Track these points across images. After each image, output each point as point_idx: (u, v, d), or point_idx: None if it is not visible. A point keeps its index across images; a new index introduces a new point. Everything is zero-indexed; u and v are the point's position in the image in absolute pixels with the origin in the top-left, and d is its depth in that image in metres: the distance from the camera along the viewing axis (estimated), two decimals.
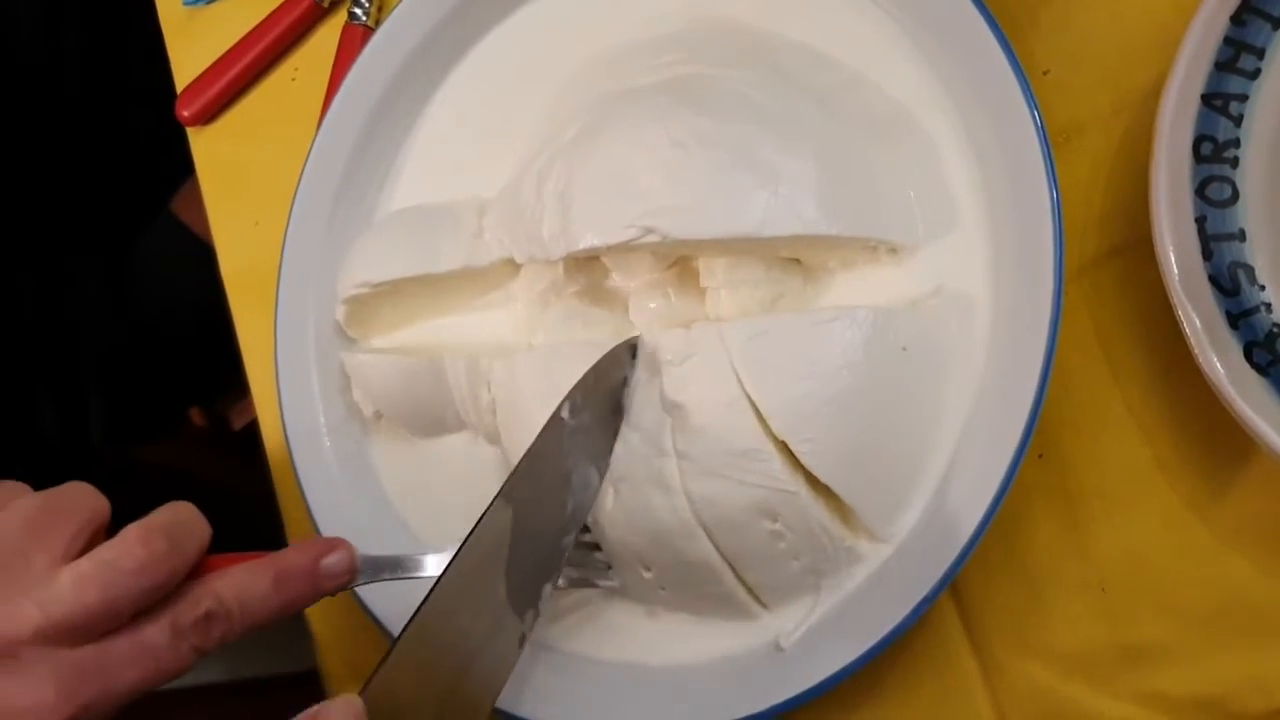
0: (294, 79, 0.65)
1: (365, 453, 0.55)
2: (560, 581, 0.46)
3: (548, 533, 0.45)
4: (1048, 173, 0.43)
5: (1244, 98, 0.44)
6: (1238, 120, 0.44)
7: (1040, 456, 0.48)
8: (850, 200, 0.46)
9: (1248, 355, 0.43)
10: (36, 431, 0.87)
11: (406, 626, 0.40)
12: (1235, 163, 0.44)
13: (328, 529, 0.52)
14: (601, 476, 0.46)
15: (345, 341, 0.56)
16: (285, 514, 0.60)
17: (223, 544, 0.41)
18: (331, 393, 0.55)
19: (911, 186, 0.47)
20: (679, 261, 0.49)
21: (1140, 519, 0.47)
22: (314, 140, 0.56)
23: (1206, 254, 0.43)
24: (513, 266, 0.52)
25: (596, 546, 0.47)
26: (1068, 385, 0.48)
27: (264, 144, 0.65)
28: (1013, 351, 0.44)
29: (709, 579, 0.46)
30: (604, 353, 0.46)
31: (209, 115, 0.66)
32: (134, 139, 0.88)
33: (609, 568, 0.48)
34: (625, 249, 0.45)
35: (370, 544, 0.44)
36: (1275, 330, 0.43)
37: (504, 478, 0.43)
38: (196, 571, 0.39)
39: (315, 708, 0.37)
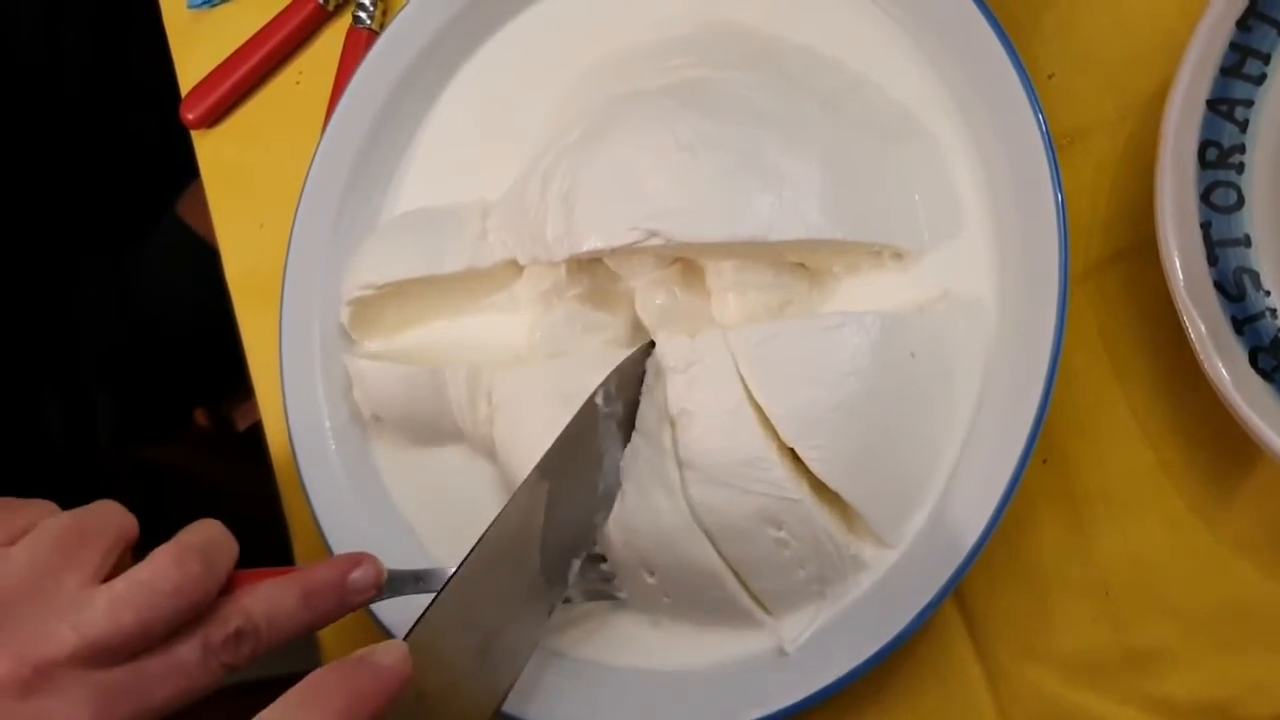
0: (299, 82, 0.65)
1: (370, 456, 0.55)
2: (570, 595, 0.47)
3: (580, 510, 0.45)
4: (1052, 176, 0.43)
5: (1249, 103, 0.44)
6: (1243, 125, 0.44)
7: (1045, 461, 0.48)
8: (855, 205, 0.45)
9: (1253, 360, 0.43)
10: (43, 433, 0.88)
11: (448, 581, 0.41)
12: (1240, 168, 0.44)
13: (332, 532, 0.53)
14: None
15: (349, 344, 0.56)
16: (289, 515, 0.60)
17: None
18: (336, 396, 0.55)
19: (916, 190, 0.47)
20: (683, 257, 0.49)
21: (1145, 524, 0.47)
22: (319, 143, 0.56)
23: (1211, 259, 0.43)
24: (516, 268, 0.52)
25: (602, 558, 0.47)
26: (1072, 390, 0.48)
27: (269, 147, 0.65)
28: (1017, 356, 0.44)
29: (712, 584, 0.45)
30: (605, 363, 0.46)
31: (214, 118, 0.66)
32: (139, 142, 0.88)
33: (611, 579, 0.48)
34: (629, 251, 0.45)
35: (374, 547, 0.44)
36: None
37: (502, 492, 0.44)
38: (224, 587, 0.39)
39: (365, 650, 0.37)
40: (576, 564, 0.46)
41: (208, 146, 0.67)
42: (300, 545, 0.60)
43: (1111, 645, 0.47)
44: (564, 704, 0.48)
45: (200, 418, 1.08)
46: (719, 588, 0.45)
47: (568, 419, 0.45)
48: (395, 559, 0.44)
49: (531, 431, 0.47)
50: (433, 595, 0.41)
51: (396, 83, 0.56)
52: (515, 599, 0.44)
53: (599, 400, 0.45)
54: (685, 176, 0.45)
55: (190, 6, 0.68)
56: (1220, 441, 0.46)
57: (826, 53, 0.49)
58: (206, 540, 0.39)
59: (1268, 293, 0.44)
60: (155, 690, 0.36)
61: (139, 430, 0.94)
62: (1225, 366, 0.42)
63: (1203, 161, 0.44)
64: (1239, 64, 0.43)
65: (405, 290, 0.52)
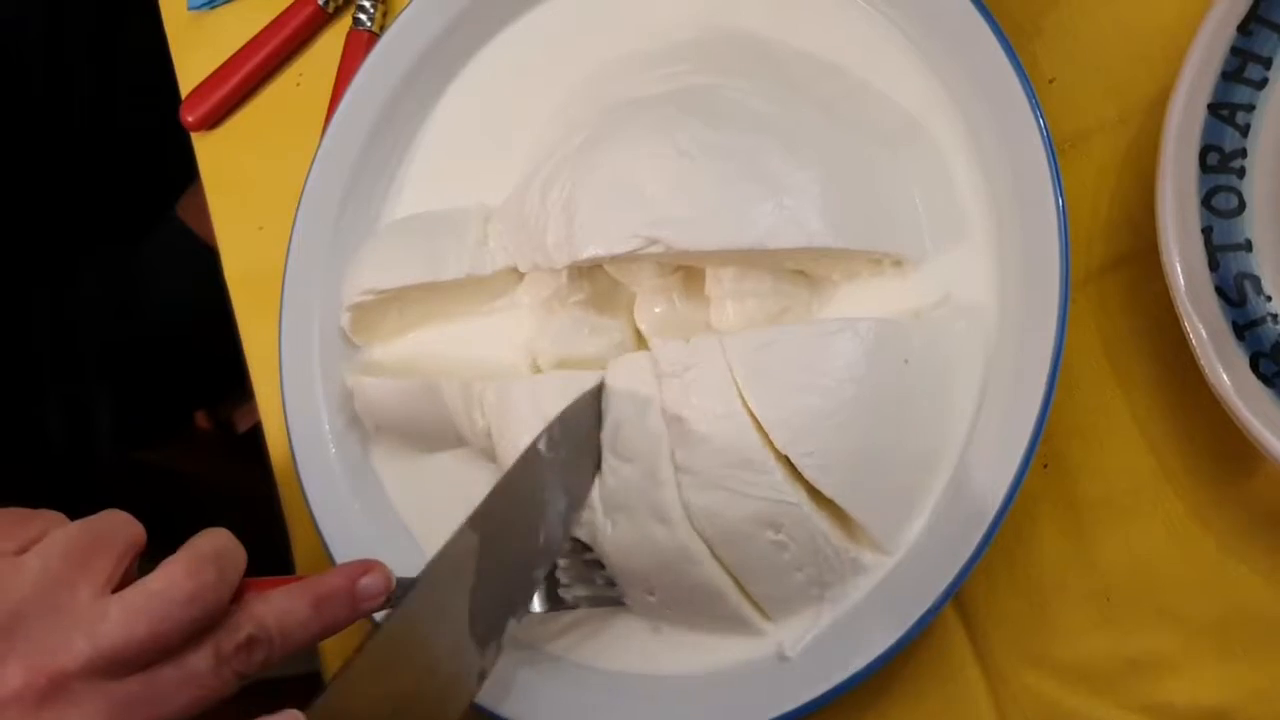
0: (299, 84, 0.65)
1: (369, 460, 0.55)
2: (574, 601, 0.46)
3: (516, 564, 0.44)
4: (1053, 181, 0.43)
5: (1250, 107, 0.44)
6: (1244, 130, 0.44)
7: (1045, 466, 0.48)
8: (855, 213, 0.45)
9: (1254, 366, 0.43)
10: (43, 435, 0.88)
11: (361, 646, 0.39)
12: (1242, 173, 0.44)
13: (332, 536, 0.52)
14: (578, 512, 0.46)
15: (350, 348, 0.56)
16: (289, 517, 0.60)
17: None
18: (336, 400, 0.55)
19: (917, 195, 0.47)
20: (684, 265, 0.49)
21: (1145, 529, 0.47)
22: (319, 146, 0.56)
23: (1213, 264, 0.43)
24: (517, 274, 0.52)
25: (600, 564, 0.47)
26: (1073, 395, 0.48)
27: (268, 149, 0.65)
28: (1018, 361, 0.44)
29: (713, 601, 0.45)
30: (593, 377, 0.46)
31: (213, 120, 0.66)
32: (138, 143, 0.88)
33: (614, 584, 0.48)
34: (629, 259, 0.45)
35: (374, 553, 0.44)
36: None
37: None
38: (234, 596, 0.39)
39: None
40: (512, 623, 0.44)
41: (207, 148, 0.66)
42: (300, 549, 0.60)
43: (1112, 651, 0.46)
44: (563, 708, 0.48)
45: (201, 420, 1.08)
46: (720, 603, 0.45)
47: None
48: (395, 564, 0.43)
49: (518, 443, 0.47)
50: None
51: (397, 85, 0.56)
52: (437, 663, 0.41)
53: (542, 447, 0.44)
54: (685, 184, 0.45)
55: (190, 8, 0.68)
56: (1221, 447, 0.46)
57: (827, 58, 0.49)
58: (218, 549, 0.39)
59: (1269, 298, 0.44)
60: (169, 700, 0.36)
61: (139, 432, 0.94)
62: (1226, 372, 0.42)
63: (1204, 166, 0.44)
64: (1240, 68, 0.43)
65: (406, 296, 0.52)
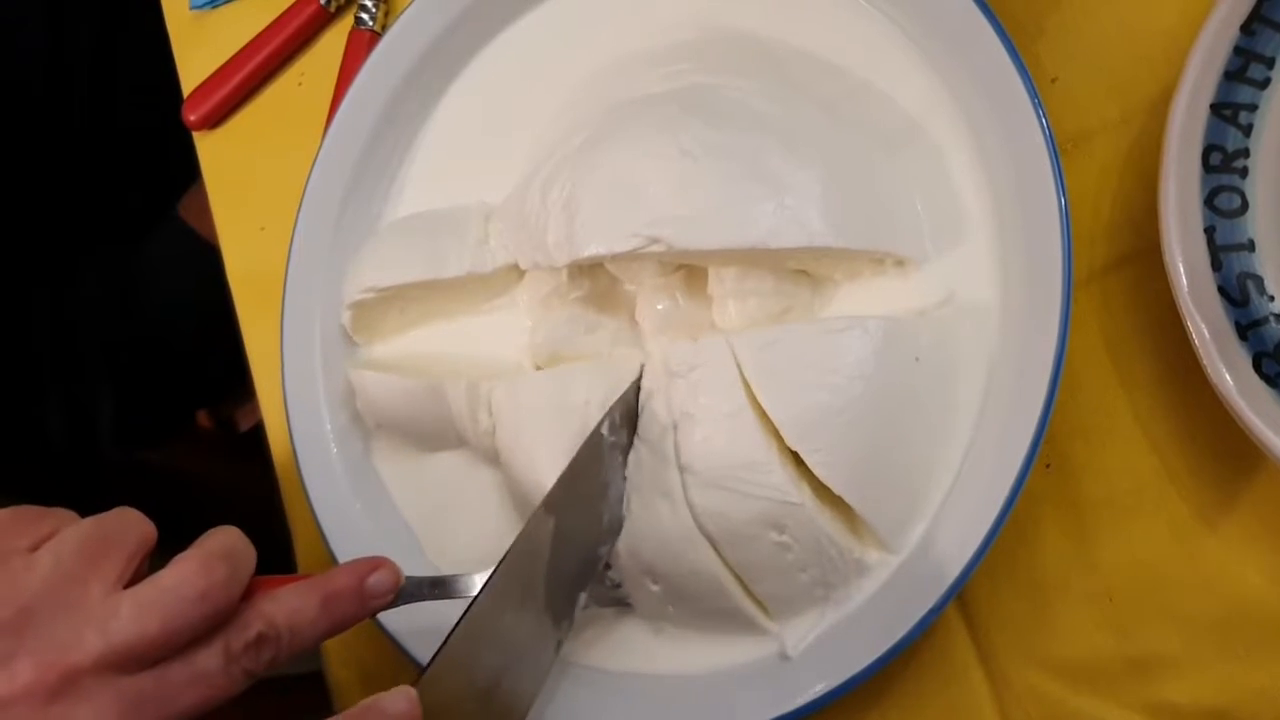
0: (300, 84, 0.65)
1: (370, 459, 0.55)
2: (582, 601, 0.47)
3: (585, 542, 0.45)
4: (1056, 180, 0.43)
5: (1253, 107, 0.44)
6: (1247, 130, 0.44)
7: (1048, 466, 0.48)
8: (857, 212, 0.45)
9: (1257, 366, 0.42)
10: (45, 434, 0.88)
11: (456, 625, 0.40)
12: (1244, 172, 0.44)
13: (333, 535, 0.52)
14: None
15: (351, 347, 0.56)
16: (290, 516, 0.60)
17: None
18: (337, 399, 0.55)
19: (919, 195, 0.47)
20: (686, 264, 0.49)
21: (1148, 529, 0.47)
22: (321, 145, 0.56)
23: (1215, 264, 0.43)
24: (518, 272, 0.52)
25: (607, 565, 0.47)
26: (1075, 395, 0.48)
27: (270, 149, 0.65)
28: (1021, 360, 0.44)
29: (715, 592, 0.45)
30: (603, 372, 0.46)
31: (215, 119, 0.66)
32: (140, 142, 0.88)
33: (618, 585, 0.48)
34: (630, 258, 0.45)
35: (375, 549, 0.44)
36: None
37: (505, 496, 0.44)
38: (243, 594, 0.39)
39: (372, 699, 0.38)
40: (583, 597, 0.46)
41: (209, 148, 0.66)
42: (301, 548, 0.60)
43: (1114, 651, 0.47)
44: (564, 709, 0.48)
45: (202, 419, 1.08)
46: (722, 595, 0.45)
47: (564, 430, 0.45)
48: (396, 563, 0.44)
49: (530, 442, 0.47)
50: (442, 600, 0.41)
51: (399, 85, 0.56)
52: (522, 636, 0.44)
53: (604, 430, 0.45)
54: (687, 183, 0.45)
55: (192, 7, 0.68)
56: (1224, 447, 0.46)
57: (828, 58, 0.49)
58: (228, 547, 0.39)
59: (1272, 298, 0.44)
60: (179, 697, 0.36)
61: (140, 432, 0.94)
62: (1229, 372, 0.42)
63: (1207, 166, 0.44)
64: (1243, 68, 0.43)
65: (407, 294, 0.52)
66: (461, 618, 0.40)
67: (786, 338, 0.44)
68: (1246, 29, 0.43)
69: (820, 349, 0.44)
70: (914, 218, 0.47)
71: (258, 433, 0.63)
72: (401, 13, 0.55)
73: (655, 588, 0.47)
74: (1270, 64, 0.43)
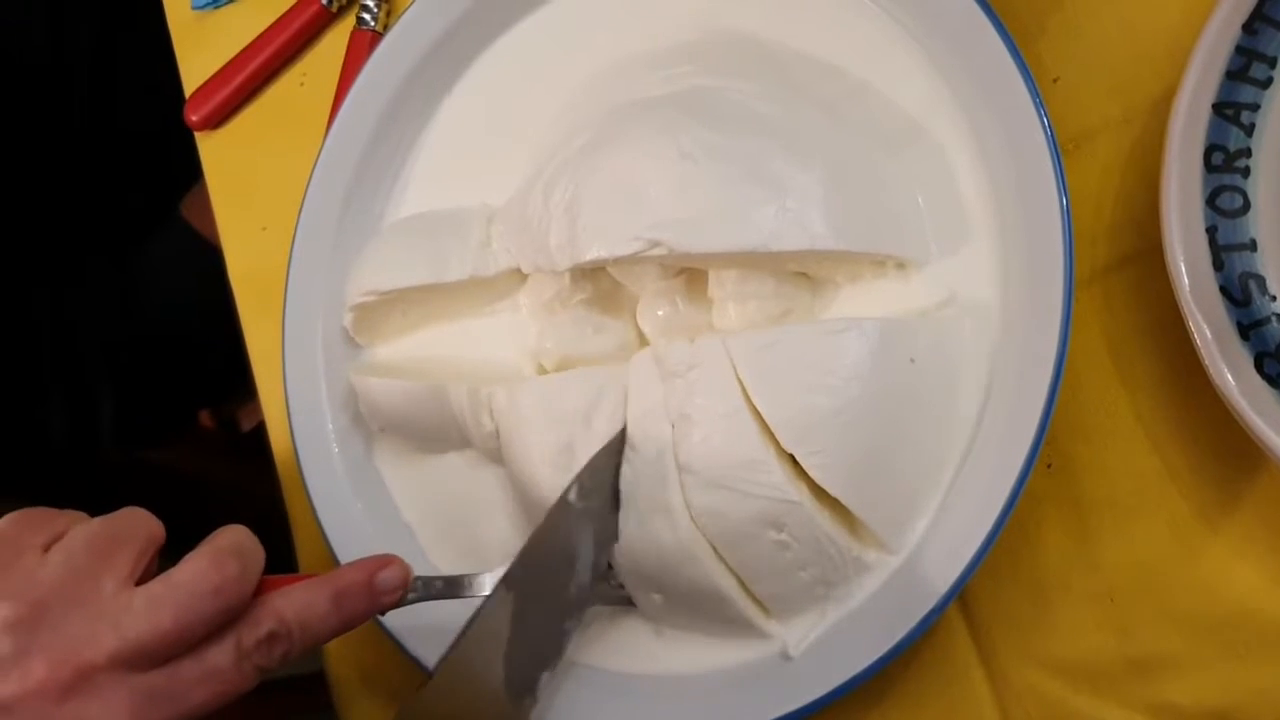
0: (302, 84, 0.65)
1: (372, 460, 0.55)
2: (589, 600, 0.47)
3: (549, 619, 0.45)
4: (1057, 180, 0.43)
5: (1255, 107, 0.44)
6: (1249, 129, 0.44)
7: (1049, 466, 0.48)
8: (859, 215, 0.45)
9: (1258, 366, 0.42)
10: (46, 433, 0.88)
11: (399, 714, 0.40)
12: (1246, 172, 0.44)
13: (334, 534, 0.53)
14: (606, 555, 0.46)
15: (353, 348, 0.56)
16: (293, 516, 0.60)
17: None
18: (339, 399, 0.55)
19: (920, 196, 0.47)
20: (687, 268, 0.49)
21: (1149, 529, 0.47)
22: (322, 145, 0.56)
23: (1217, 264, 0.43)
24: (520, 276, 0.52)
25: (609, 565, 0.47)
26: (1077, 395, 0.48)
27: (272, 149, 0.65)
28: (1022, 360, 0.44)
29: (718, 603, 0.45)
30: (608, 379, 0.46)
31: (217, 120, 0.66)
32: (142, 142, 0.89)
33: (623, 585, 0.48)
34: (632, 261, 0.45)
35: (376, 550, 0.44)
36: None
37: (509, 497, 0.43)
38: (254, 592, 0.39)
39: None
40: (547, 675, 0.45)
41: (211, 148, 0.67)
42: (303, 548, 0.60)
43: (1115, 651, 0.46)
44: (565, 709, 0.48)
45: (204, 419, 1.08)
46: (724, 605, 0.45)
47: (555, 439, 0.45)
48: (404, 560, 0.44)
49: (529, 446, 0.47)
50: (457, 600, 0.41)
51: (401, 85, 0.56)
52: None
53: (572, 498, 0.44)
54: (688, 186, 0.45)
55: (194, 8, 0.68)
56: (1225, 447, 0.46)
57: (829, 59, 0.49)
58: (239, 544, 0.39)
59: (1274, 297, 0.43)
60: (190, 694, 0.37)
61: (141, 431, 0.95)
62: (1231, 372, 0.42)
63: (1208, 165, 0.44)
64: (1244, 68, 0.43)
65: (409, 296, 0.52)
66: (398, 712, 0.40)
67: (782, 339, 0.44)
68: (1249, 28, 0.43)
69: (816, 350, 0.44)
70: (915, 219, 0.47)
71: (260, 433, 0.63)
72: (403, 13, 0.55)
73: (657, 597, 0.47)
74: (1272, 63, 0.43)
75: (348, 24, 0.64)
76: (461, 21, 0.55)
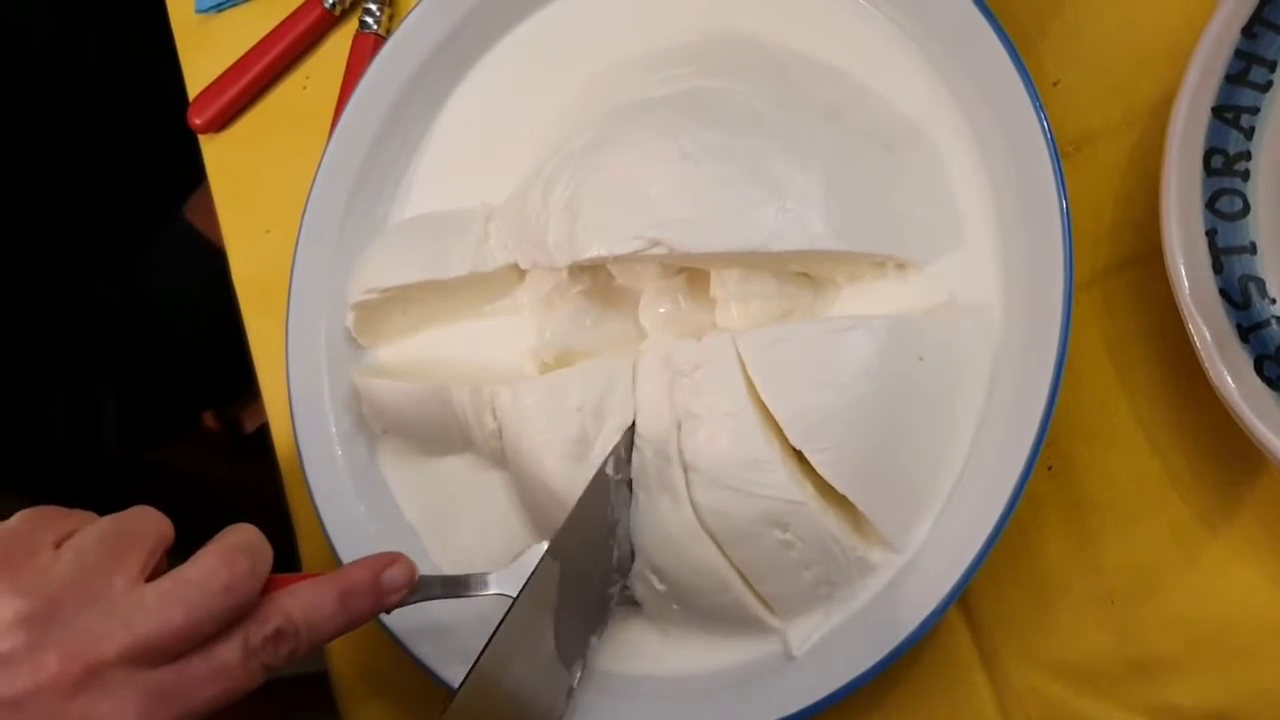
0: (305, 87, 0.65)
1: (375, 462, 0.55)
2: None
3: (594, 584, 0.46)
4: (1057, 183, 0.43)
5: (1255, 110, 0.44)
6: (1249, 133, 0.44)
7: (1050, 469, 0.48)
8: (859, 215, 0.46)
9: (1258, 368, 0.43)
10: (50, 434, 0.88)
11: (465, 679, 0.41)
12: (1246, 175, 0.44)
13: (337, 536, 0.53)
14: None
15: (356, 349, 0.56)
16: (295, 517, 0.60)
17: None
18: (342, 401, 0.55)
19: (921, 198, 0.47)
20: (688, 267, 0.49)
21: (1150, 531, 0.47)
22: (326, 148, 0.56)
23: (1217, 267, 0.43)
24: (519, 272, 0.52)
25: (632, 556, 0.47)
26: (1077, 397, 0.48)
27: (275, 151, 0.65)
28: (1023, 363, 0.44)
29: (719, 588, 0.46)
30: (607, 373, 0.47)
31: (221, 123, 0.66)
32: (146, 145, 0.89)
33: (626, 586, 0.48)
34: (632, 260, 0.45)
35: (380, 550, 0.44)
36: None
37: (512, 498, 0.44)
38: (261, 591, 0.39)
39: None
40: (595, 639, 0.46)
41: (215, 151, 0.67)
42: (306, 549, 0.60)
43: (1116, 653, 0.47)
44: (569, 709, 0.48)
45: (208, 420, 1.08)
46: (726, 591, 0.46)
47: (561, 436, 0.45)
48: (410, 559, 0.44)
49: (530, 446, 0.47)
50: (452, 598, 0.41)
51: (403, 88, 0.56)
52: (531, 685, 0.44)
53: (609, 469, 0.45)
54: (688, 186, 0.45)
55: (198, 10, 0.68)
56: (1225, 449, 0.46)
57: (830, 61, 0.49)
58: (248, 542, 0.39)
59: (1273, 300, 0.44)
60: (198, 691, 0.37)
61: (145, 432, 0.95)
62: (1230, 374, 0.42)
63: (1208, 168, 0.44)
64: (1244, 71, 0.43)
65: (409, 295, 0.53)
66: (467, 674, 0.41)
67: (791, 337, 0.44)
68: (1248, 32, 0.43)
69: (824, 348, 0.44)
70: (915, 220, 0.47)
71: (263, 434, 0.63)
72: (406, 16, 0.56)
73: (660, 585, 0.47)
74: (1272, 67, 0.43)
75: (351, 27, 0.64)
76: (464, 24, 0.56)
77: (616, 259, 0.46)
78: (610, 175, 0.46)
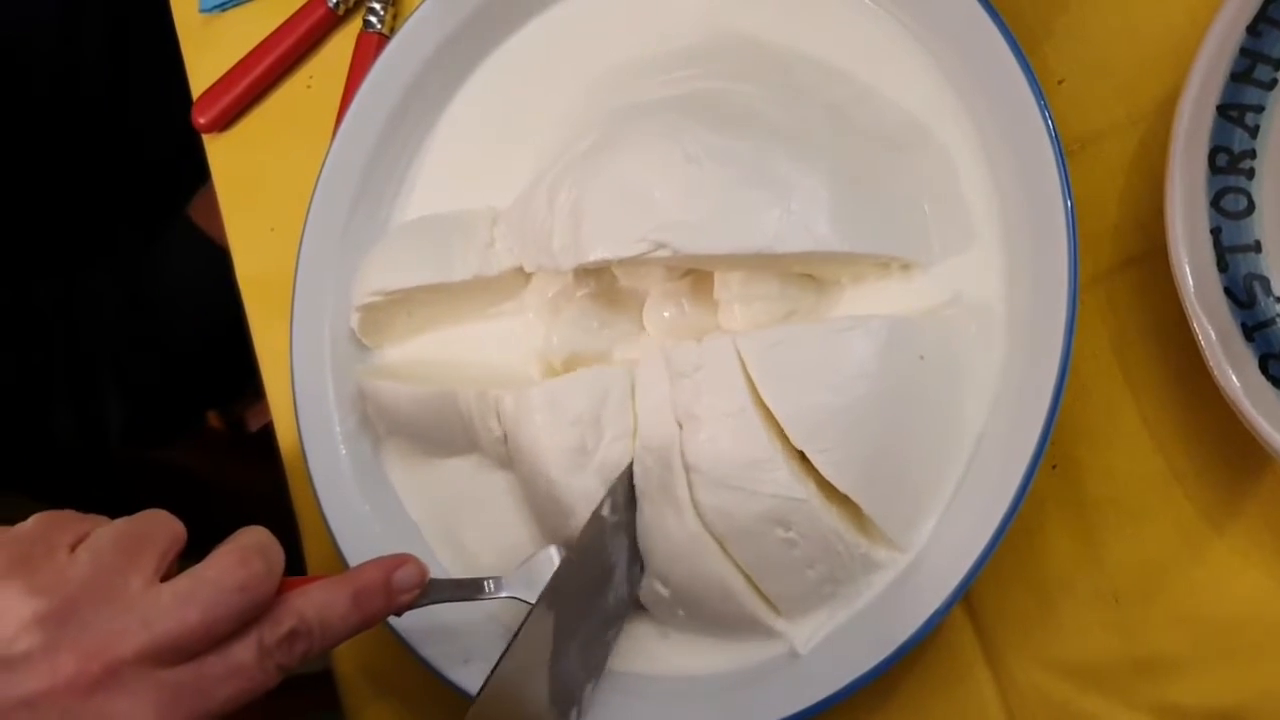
0: (309, 86, 0.66)
1: (380, 462, 0.55)
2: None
3: (591, 631, 0.45)
4: (1062, 182, 0.43)
5: (1259, 109, 0.44)
6: (1253, 131, 0.44)
7: (1054, 467, 0.48)
8: (863, 216, 0.45)
9: (1263, 367, 0.42)
10: (54, 433, 0.88)
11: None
12: (1251, 173, 0.44)
13: (342, 535, 0.53)
14: (643, 571, 0.47)
15: (360, 349, 0.56)
16: (300, 516, 0.60)
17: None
18: (347, 401, 0.55)
19: (925, 198, 0.47)
20: (693, 270, 0.49)
21: (1154, 530, 0.47)
22: (329, 148, 0.56)
23: (1222, 266, 0.43)
24: (524, 276, 0.52)
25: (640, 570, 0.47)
26: (1082, 396, 0.48)
27: (279, 151, 0.65)
28: (1027, 362, 0.44)
29: (723, 596, 0.46)
30: (614, 378, 0.47)
31: (225, 122, 0.66)
32: (150, 144, 0.89)
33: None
34: (636, 262, 0.45)
35: (384, 550, 0.44)
36: None
37: (518, 501, 0.43)
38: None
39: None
40: (591, 687, 0.45)
41: (219, 150, 0.67)
42: (311, 548, 0.60)
43: (1121, 652, 0.47)
44: None
45: (212, 419, 1.08)
46: (730, 600, 0.46)
47: (563, 444, 0.45)
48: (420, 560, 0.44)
49: (540, 450, 0.47)
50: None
51: (408, 87, 0.56)
52: None
53: (605, 511, 0.45)
54: (693, 189, 0.45)
55: (202, 10, 0.68)
56: (1230, 448, 0.46)
57: (834, 62, 0.49)
58: (262, 542, 0.39)
59: (1278, 299, 0.44)
60: (215, 691, 0.37)
61: (149, 431, 0.95)
62: (1235, 373, 0.42)
63: (1213, 167, 0.44)
64: (1249, 69, 0.43)
65: (414, 297, 0.53)
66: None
67: (791, 338, 0.44)
68: (1253, 30, 0.43)
69: (825, 348, 0.44)
70: (920, 221, 0.47)
71: (267, 433, 0.63)
72: (410, 15, 0.56)
73: (665, 591, 0.47)
74: (1277, 65, 0.43)
75: (354, 26, 0.64)
76: (467, 24, 0.56)
77: (621, 262, 0.46)
78: (614, 178, 0.46)
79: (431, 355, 0.55)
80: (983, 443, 0.45)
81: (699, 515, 0.45)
